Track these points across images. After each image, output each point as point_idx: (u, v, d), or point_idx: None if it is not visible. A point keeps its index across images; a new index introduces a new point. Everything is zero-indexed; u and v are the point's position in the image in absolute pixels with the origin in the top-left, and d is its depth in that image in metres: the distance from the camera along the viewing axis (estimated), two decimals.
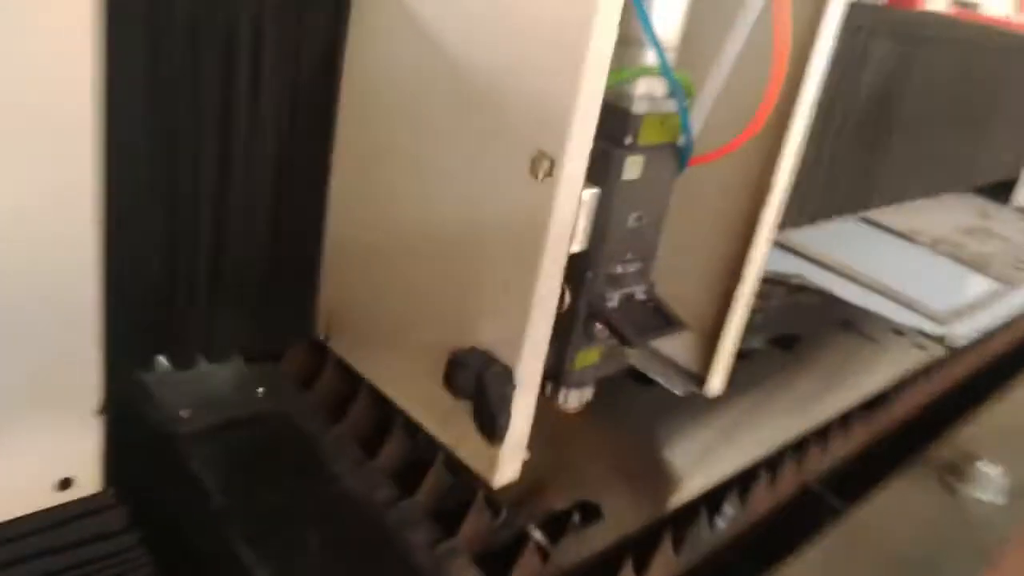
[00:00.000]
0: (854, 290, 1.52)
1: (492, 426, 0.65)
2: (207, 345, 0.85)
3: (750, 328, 0.93)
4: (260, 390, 0.93)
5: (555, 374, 0.81)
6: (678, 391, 0.92)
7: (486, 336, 0.68)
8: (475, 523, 0.80)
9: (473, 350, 0.67)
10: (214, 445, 0.85)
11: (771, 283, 1.40)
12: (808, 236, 1.65)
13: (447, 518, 0.80)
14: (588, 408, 0.84)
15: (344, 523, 0.79)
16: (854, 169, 1.57)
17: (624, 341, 0.75)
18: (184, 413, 0.87)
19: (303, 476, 0.84)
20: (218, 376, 0.95)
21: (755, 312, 0.96)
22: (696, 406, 1.02)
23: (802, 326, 1.33)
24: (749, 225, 0.86)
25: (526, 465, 0.74)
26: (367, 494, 0.83)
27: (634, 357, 0.97)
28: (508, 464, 0.69)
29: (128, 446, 0.85)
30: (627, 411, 1.03)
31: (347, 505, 0.82)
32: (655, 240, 0.80)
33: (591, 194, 0.70)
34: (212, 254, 0.78)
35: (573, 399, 0.84)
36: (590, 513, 0.85)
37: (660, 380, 0.94)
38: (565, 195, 0.61)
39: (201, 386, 0.92)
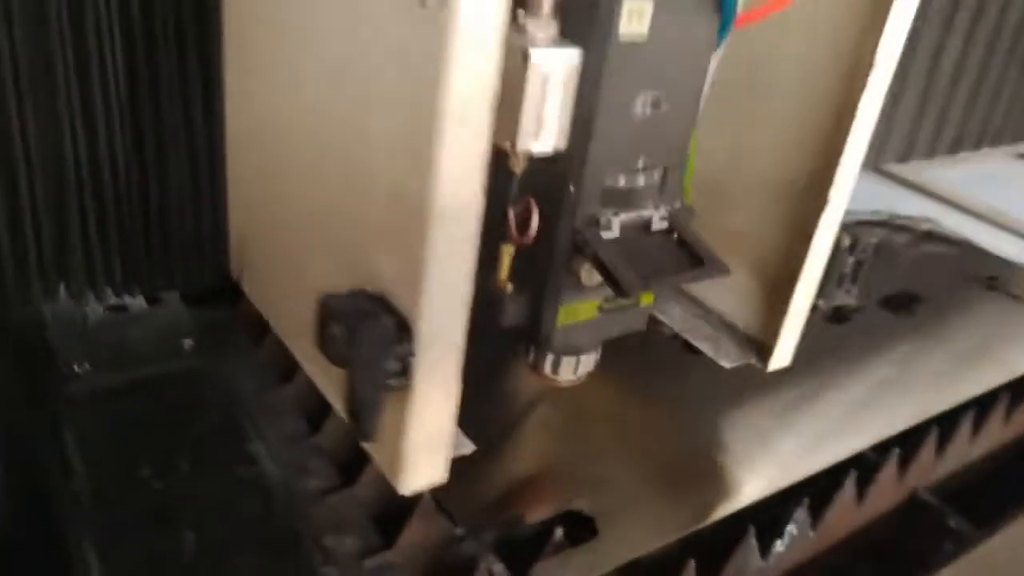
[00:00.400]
0: (1005, 239, 1.19)
1: (355, 412, 0.42)
2: (106, 280, 0.66)
3: (840, 279, 0.66)
4: (187, 342, 0.73)
5: (532, 333, 0.57)
6: (725, 362, 0.66)
7: (381, 271, 0.44)
8: (419, 533, 0.58)
9: (357, 294, 0.44)
10: (105, 411, 0.66)
11: (888, 227, 1.09)
12: (945, 174, 1.31)
13: (394, 522, 0.58)
14: (608, 382, 0.60)
15: (244, 522, 0.59)
16: (1014, 87, 1.22)
17: (617, 288, 0.50)
18: (79, 368, 0.69)
19: (209, 457, 0.64)
20: (142, 321, 0.76)
21: (848, 255, 0.68)
22: (760, 384, 0.75)
23: (928, 284, 1.02)
24: (838, 127, 0.58)
25: (507, 459, 0.51)
26: (286, 482, 0.62)
27: (670, 313, 0.72)
28: (420, 464, 0.46)
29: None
30: (663, 387, 0.77)
31: (255, 497, 0.61)
32: (682, 138, 0.54)
33: (567, 58, 0.45)
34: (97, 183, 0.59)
35: (565, 369, 0.60)
36: (581, 528, 0.61)
37: (703, 347, 0.68)
38: (472, 24, 0.36)
39: (113, 333, 0.73)
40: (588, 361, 0.61)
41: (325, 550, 0.57)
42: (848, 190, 0.59)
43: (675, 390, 0.77)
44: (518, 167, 0.52)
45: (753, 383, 0.75)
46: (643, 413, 0.75)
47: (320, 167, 0.53)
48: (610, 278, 0.50)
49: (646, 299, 0.59)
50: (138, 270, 0.67)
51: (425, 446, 0.46)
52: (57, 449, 0.62)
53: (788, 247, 0.64)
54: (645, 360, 0.78)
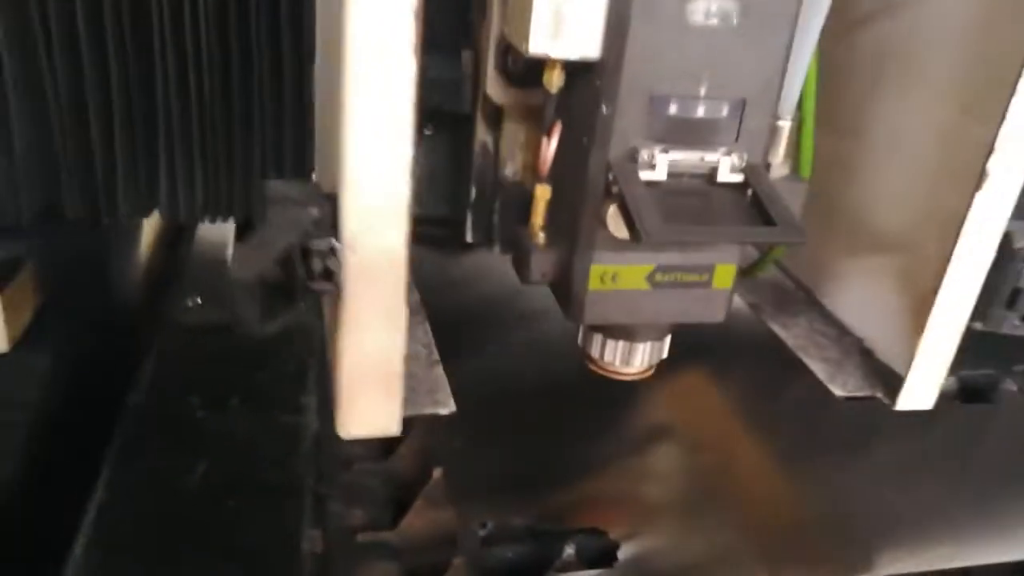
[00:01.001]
0: None
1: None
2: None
3: (1013, 297, 0.49)
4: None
5: (564, 299, 0.48)
6: (838, 390, 0.52)
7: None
8: (423, 519, 0.50)
9: (303, 183, 0.38)
10: (194, 343, 0.65)
11: None
12: None
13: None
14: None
15: (258, 464, 0.55)
16: None
17: (633, 232, 0.40)
18: (191, 302, 0.69)
19: (262, 399, 0.60)
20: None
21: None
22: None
23: None
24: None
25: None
26: (321, 439, 0.57)
27: (789, 325, 0.58)
28: (359, 404, 0.39)
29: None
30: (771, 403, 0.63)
31: (281, 444, 0.57)
32: (765, 66, 0.42)
33: None
34: None
35: (616, 353, 0.50)
36: (599, 550, 0.50)
37: (815, 368, 0.54)
38: None
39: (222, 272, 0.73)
40: (646, 351, 0.50)
41: (323, 513, 0.52)
42: (1020, 164, 0.44)
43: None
44: (552, 82, 0.43)
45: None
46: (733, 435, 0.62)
47: None
48: (628, 220, 0.40)
49: (721, 279, 0.47)
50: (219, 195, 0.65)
51: (365, 383, 0.39)
52: (128, 365, 0.62)
53: (939, 248, 0.48)
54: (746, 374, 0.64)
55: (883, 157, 0.54)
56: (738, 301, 0.62)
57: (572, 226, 0.45)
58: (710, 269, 0.47)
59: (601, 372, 0.53)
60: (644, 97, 0.41)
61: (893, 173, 0.54)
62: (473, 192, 0.59)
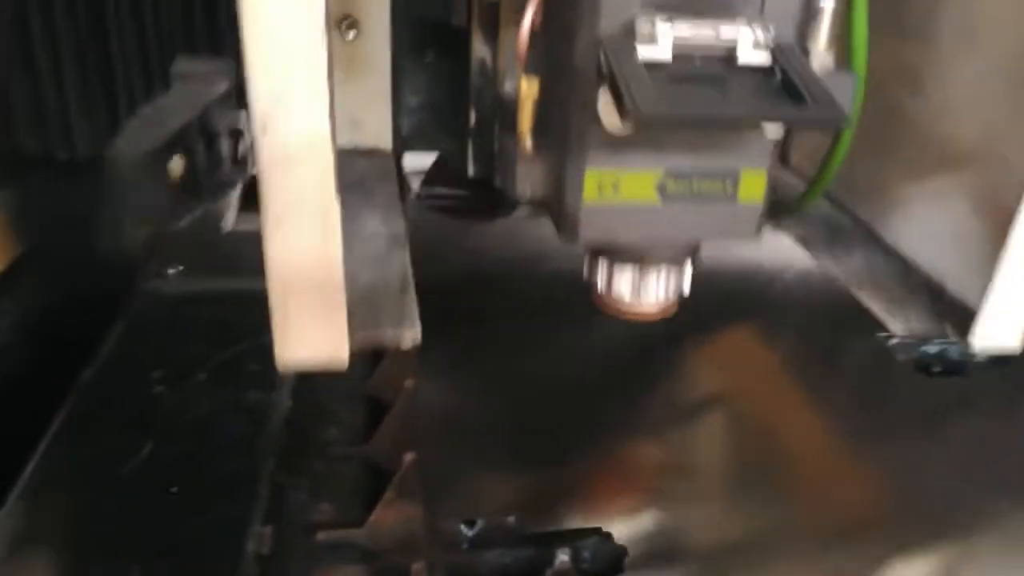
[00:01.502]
0: None
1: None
2: None
3: None
4: None
5: (558, 216, 0.41)
6: (898, 327, 0.43)
7: None
8: (397, 514, 0.45)
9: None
10: (170, 312, 0.61)
11: None
12: None
13: None
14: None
15: (213, 447, 0.50)
16: None
17: (620, 107, 0.33)
18: (172, 269, 0.65)
19: (231, 373, 0.56)
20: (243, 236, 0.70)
21: None
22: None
23: None
24: None
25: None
26: (292, 421, 0.52)
27: (843, 259, 0.49)
28: (292, 323, 0.33)
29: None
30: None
31: (244, 425, 0.52)
32: None
33: None
34: None
35: (622, 283, 0.42)
36: (603, 556, 0.43)
37: (874, 307, 0.45)
38: None
39: (210, 242, 0.68)
40: (662, 280, 0.42)
41: (281, 506, 0.46)
42: None
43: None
44: None
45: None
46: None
47: None
48: (619, 100, 0.32)
49: (749, 188, 0.39)
50: None
51: (300, 298, 0.32)
52: (97, 333, 0.58)
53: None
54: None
55: (956, 58, 0.45)
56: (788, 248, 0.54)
57: (563, 126, 0.38)
58: (735, 175, 0.39)
59: (614, 311, 0.45)
60: None
61: (969, 75, 0.45)
62: (473, 116, 0.52)
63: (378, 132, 0.58)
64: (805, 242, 0.52)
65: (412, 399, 0.51)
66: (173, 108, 0.28)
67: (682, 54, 0.35)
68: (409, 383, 0.51)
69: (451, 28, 0.53)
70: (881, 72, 0.50)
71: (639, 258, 0.42)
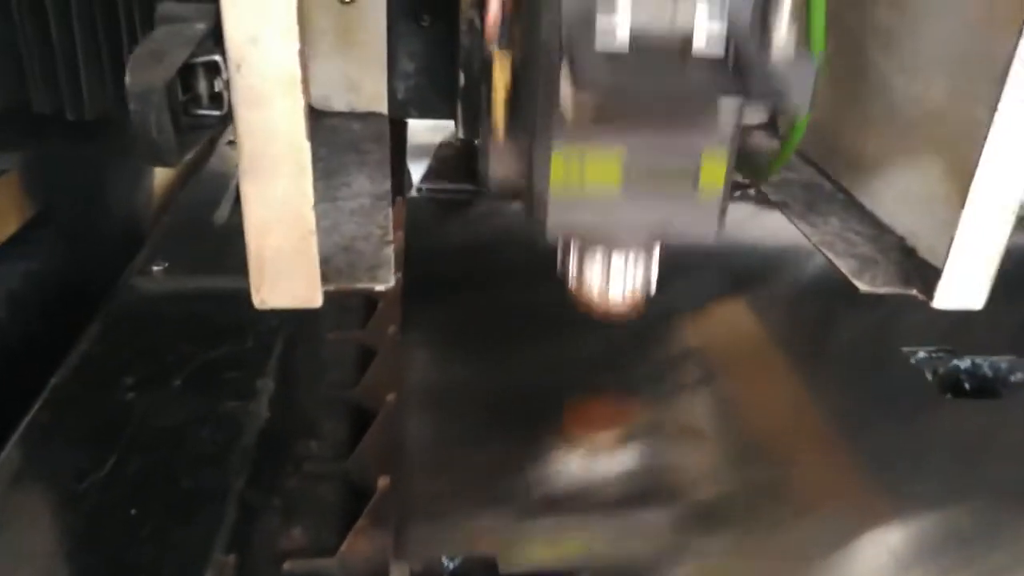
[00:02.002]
0: None
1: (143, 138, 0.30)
2: None
3: None
4: None
5: (529, 202, 0.42)
6: (864, 285, 0.44)
7: None
8: (368, 544, 0.43)
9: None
10: (151, 311, 0.61)
11: None
12: None
13: None
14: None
15: (181, 461, 0.48)
16: None
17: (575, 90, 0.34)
18: (156, 266, 0.65)
19: (208, 380, 0.54)
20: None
21: None
22: None
23: None
24: None
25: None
26: (270, 433, 0.50)
27: (819, 224, 0.50)
28: (268, 264, 0.34)
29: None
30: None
31: (218, 437, 0.50)
32: None
33: None
34: None
35: (593, 276, 0.44)
36: None
37: (842, 265, 0.46)
38: None
39: (201, 240, 0.68)
40: (630, 274, 0.43)
41: (249, 529, 0.43)
42: None
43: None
44: None
45: None
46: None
47: None
48: (572, 78, 0.34)
49: (710, 174, 0.40)
50: None
51: (274, 240, 0.34)
52: (74, 331, 0.57)
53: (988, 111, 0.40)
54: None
55: (927, 15, 0.46)
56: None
57: (532, 108, 0.40)
58: (695, 158, 0.39)
59: (585, 306, 0.46)
60: None
61: (938, 30, 0.45)
62: (462, 78, 0.53)
63: (374, 96, 0.59)
64: (784, 207, 0.53)
65: (395, 413, 0.49)
66: (166, 46, 0.29)
67: (639, 44, 0.36)
68: (391, 397, 0.50)
69: None
70: (853, 34, 0.51)
71: (607, 251, 0.43)
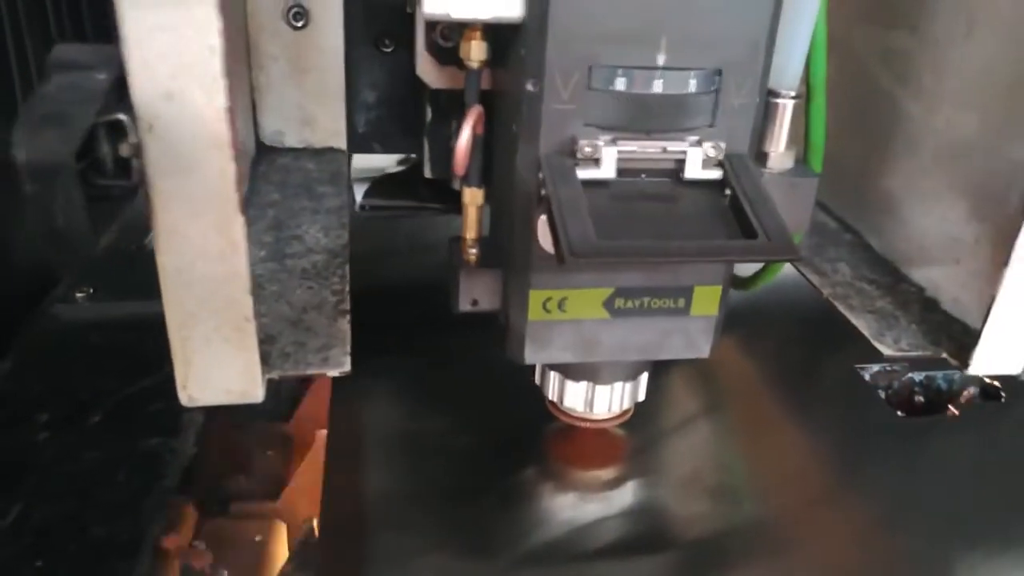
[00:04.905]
0: None
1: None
2: None
3: None
4: None
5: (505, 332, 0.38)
6: (886, 348, 0.39)
7: None
8: None
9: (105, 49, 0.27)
10: (73, 340, 0.54)
11: None
12: None
13: None
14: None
15: (93, 509, 0.42)
16: None
17: (558, 249, 0.29)
18: (80, 293, 0.58)
19: (133, 414, 0.48)
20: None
21: None
22: None
23: None
24: None
25: None
26: (196, 470, 0.45)
27: (828, 273, 0.45)
28: (197, 356, 0.28)
29: None
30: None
31: (138, 478, 0.44)
32: (746, 25, 0.31)
33: None
34: None
35: (572, 396, 0.39)
36: None
37: (859, 322, 0.41)
38: None
39: (125, 267, 0.61)
40: (616, 393, 0.40)
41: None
42: None
43: None
44: (470, 54, 0.34)
45: None
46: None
47: None
48: (554, 233, 0.29)
49: (703, 304, 0.36)
50: None
51: (203, 324, 0.28)
52: None
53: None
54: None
55: (950, 44, 0.41)
56: None
57: (507, 241, 0.36)
58: (687, 293, 0.36)
59: (566, 419, 0.43)
60: (581, 68, 0.30)
61: (965, 61, 0.41)
62: (429, 112, 0.48)
63: (331, 130, 0.54)
64: None
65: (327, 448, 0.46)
66: (64, 101, 0.24)
67: (627, 168, 0.32)
68: (321, 432, 0.47)
69: (408, 14, 0.49)
70: (869, 63, 0.46)
71: (591, 373, 0.39)
